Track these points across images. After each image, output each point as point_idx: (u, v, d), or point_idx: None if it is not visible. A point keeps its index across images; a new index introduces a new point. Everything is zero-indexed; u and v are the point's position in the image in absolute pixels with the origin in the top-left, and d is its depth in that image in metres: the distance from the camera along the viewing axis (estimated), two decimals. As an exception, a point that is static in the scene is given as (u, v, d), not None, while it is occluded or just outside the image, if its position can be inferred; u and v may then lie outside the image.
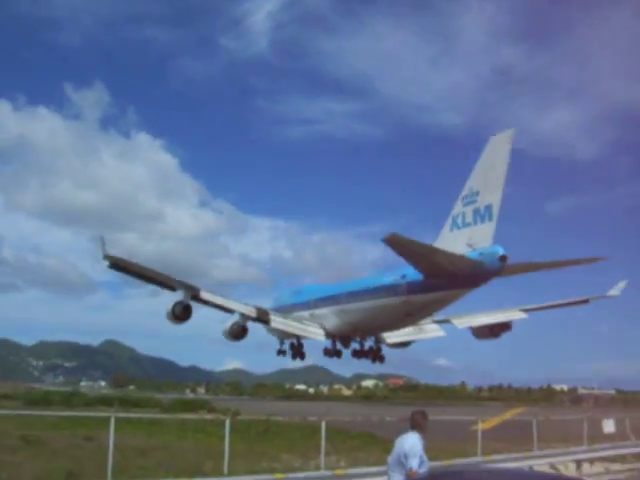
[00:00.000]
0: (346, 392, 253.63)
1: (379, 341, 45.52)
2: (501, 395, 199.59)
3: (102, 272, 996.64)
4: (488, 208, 30.79)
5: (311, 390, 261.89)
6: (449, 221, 36.14)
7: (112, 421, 20.49)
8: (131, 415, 36.82)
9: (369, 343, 47.41)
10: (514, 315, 43.88)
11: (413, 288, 34.26)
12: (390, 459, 12.92)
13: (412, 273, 37.58)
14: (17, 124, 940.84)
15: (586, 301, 46.60)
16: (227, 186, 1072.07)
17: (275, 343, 62.81)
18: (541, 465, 24.87)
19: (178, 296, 50.00)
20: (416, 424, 12.84)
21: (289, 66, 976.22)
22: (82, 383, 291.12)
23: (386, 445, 30.93)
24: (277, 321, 45.29)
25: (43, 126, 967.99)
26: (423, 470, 11.97)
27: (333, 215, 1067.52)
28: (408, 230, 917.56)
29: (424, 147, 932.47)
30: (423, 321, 44.63)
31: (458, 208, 33.78)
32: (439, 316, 47.96)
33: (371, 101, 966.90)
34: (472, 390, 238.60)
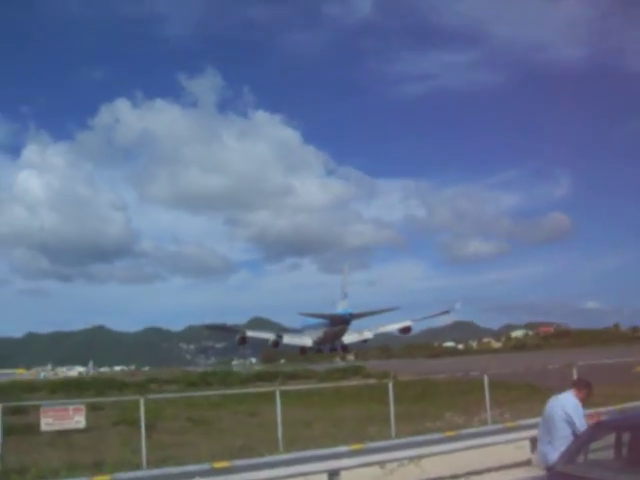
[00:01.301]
0: (495, 344, 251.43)
1: (342, 342, 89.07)
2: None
3: (240, 252, 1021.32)
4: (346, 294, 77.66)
5: (460, 346, 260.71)
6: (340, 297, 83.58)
7: (277, 394, 20.80)
8: (295, 387, 37.49)
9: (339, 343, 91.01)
10: (409, 322, 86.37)
11: (331, 324, 76.51)
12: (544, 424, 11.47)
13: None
14: (138, 119, 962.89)
15: (447, 312, 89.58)
16: (352, 152, 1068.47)
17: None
18: None
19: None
20: (577, 389, 11.83)
21: (396, 23, 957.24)
22: (234, 362, 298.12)
23: (549, 394, 30.44)
24: (286, 338, 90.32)
25: (163, 118, 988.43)
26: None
27: (463, 168, 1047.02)
28: (539, 172, 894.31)
29: (547, 86, 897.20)
30: (365, 330, 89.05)
31: (340, 292, 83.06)
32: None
33: (486, 46, 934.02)
34: (627, 330, 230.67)
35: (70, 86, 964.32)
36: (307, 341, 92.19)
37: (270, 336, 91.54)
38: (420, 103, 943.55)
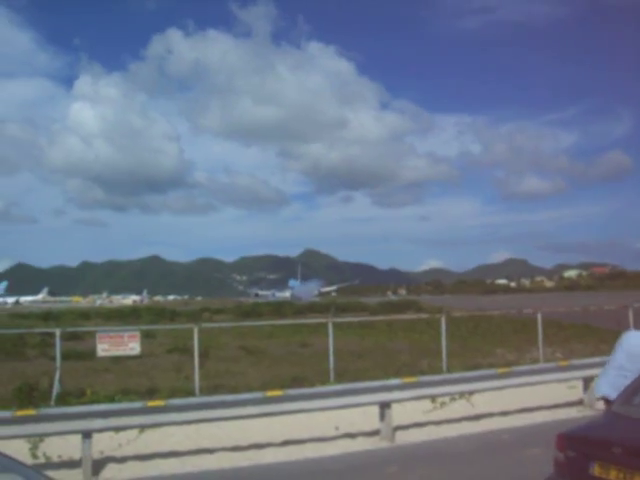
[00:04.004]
0: (548, 284, 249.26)
1: None
2: None
3: (293, 184, 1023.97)
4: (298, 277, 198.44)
5: (512, 284, 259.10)
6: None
7: (330, 326, 20.93)
8: (347, 319, 37.59)
9: None
10: (335, 287, 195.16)
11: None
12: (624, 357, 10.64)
13: None
14: (190, 50, 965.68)
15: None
16: (407, 85, 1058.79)
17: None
18: None
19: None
20: None
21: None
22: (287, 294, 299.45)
23: (603, 335, 30.05)
24: (277, 294, 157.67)
25: (215, 48, 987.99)
26: None
27: (520, 104, 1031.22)
28: (599, 110, 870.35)
29: (608, 20, 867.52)
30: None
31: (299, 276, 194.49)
32: None
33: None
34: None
35: (121, 16, 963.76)
36: (287, 295, 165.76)
37: (269, 293, 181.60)
38: (478, 36, 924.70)
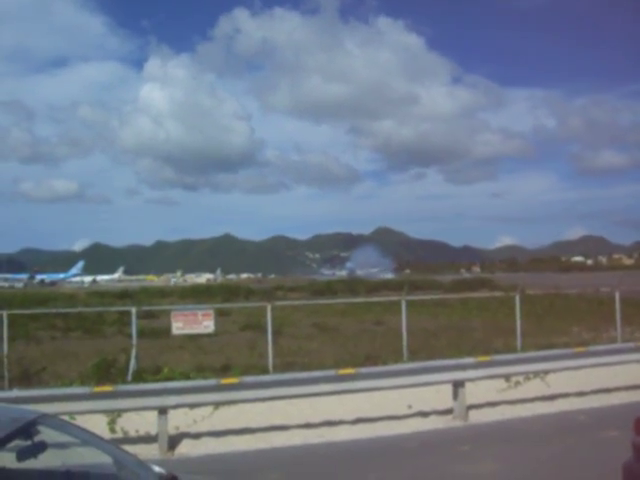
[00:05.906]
0: (627, 261, 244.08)
1: None
2: None
3: (364, 161, 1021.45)
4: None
5: (589, 261, 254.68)
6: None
7: (403, 304, 20.87)
8: (420, 297, 37.37)
9: None
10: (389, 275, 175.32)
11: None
12: None
13: None
14: (258, 29, 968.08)
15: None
16: (479, 60, 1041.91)
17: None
18: None
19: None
20: None
21: None
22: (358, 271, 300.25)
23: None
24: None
25: (283, 26, 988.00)
26: None
27: (595, 76, 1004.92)
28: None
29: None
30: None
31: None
32: None
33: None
34: None
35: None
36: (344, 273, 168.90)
37: (331, 272, 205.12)
38: (550, 7, 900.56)
